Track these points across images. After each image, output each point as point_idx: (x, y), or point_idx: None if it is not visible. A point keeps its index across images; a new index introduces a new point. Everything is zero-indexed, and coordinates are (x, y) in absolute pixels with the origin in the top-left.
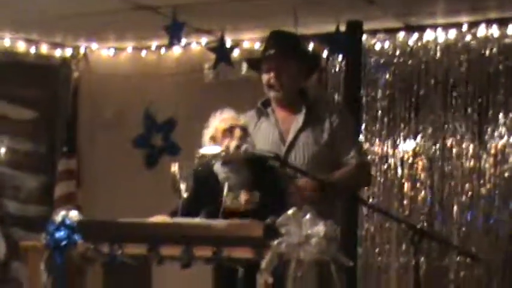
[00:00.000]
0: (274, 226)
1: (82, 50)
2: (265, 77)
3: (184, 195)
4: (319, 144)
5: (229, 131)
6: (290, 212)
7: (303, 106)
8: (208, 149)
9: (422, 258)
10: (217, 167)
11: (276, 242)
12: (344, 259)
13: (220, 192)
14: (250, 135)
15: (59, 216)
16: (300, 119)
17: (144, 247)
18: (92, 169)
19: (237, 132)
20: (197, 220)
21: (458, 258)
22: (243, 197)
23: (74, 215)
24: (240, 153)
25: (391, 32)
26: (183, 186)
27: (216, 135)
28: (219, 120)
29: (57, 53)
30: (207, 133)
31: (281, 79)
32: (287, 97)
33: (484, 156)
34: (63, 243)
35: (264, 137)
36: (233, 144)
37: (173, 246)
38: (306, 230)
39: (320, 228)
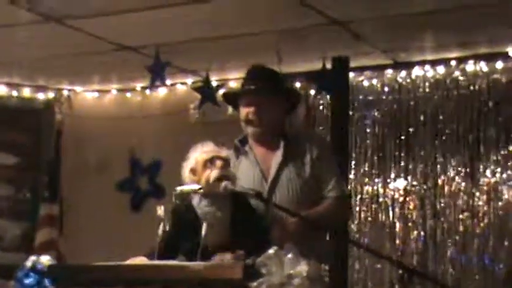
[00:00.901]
0: (254, 266)
1: (65, 93)
2: (243, 112)
3: (162, 234)
4: (302, 178)
5: (210, 162)
6: (271, 251)
7: (281, 140)
8: (186, 187)
9: None
10: (196, 202)
11: (256, 284)
12: None
13: (199, 228)
14: (235, 162)
15: (29, 261)
16: (279, 154)
17: None
18: (75, 215)
19: (219, 163)
20: (174, 262)
21: None
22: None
23: (45, 259)
24: (221, 187)
25: (379, 68)
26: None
27: (196, 167)
28: (200, 152)
29: (40, 96)
30: (187, 165)
31: (261, 114)
32: (266, 133)
33: (477, 193)
34: None
35: (245, 175)
36: (214, 174)
37: None
38: (287, 270)
39: (303, 267)
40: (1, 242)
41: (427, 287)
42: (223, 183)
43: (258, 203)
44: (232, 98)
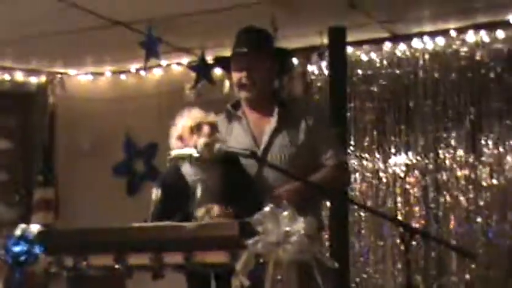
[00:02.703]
0: (250, 224)
1: (59, 76)
2: (236, 76)
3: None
4: (296, 146)
5: (196, 129)
6: (267, 209)
7: (276, 107)
8: (181, 150)
9: (419, 279)
10: (186, 169)
11: (252, 241)
12: (328, 260)
13: (190, 196)
14: (220, 132)
15: (18, 230)
16: (273, 120)
17: (110, 257)
18: (71, 199)
19: (206, 129)
20: (167, 223)
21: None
22: (215, 210)
23: (35, 227)
24: (213, 152)
25: (377, 42)
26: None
27: (183, 133)
28: (187, 118)
29: (33, 79)
30: (174, 132)
31: (253, 78)
32: (259, 97)
33: (480, 166)
34: (22, 258)
35: (237, 141)
36: (201, 141)
37: (142, 253)
38: (284, 228)
39: (300, 225)
40: None
41: (429, 246)
42: (217, 145)
43: (251, 167)
44: (224, 62)
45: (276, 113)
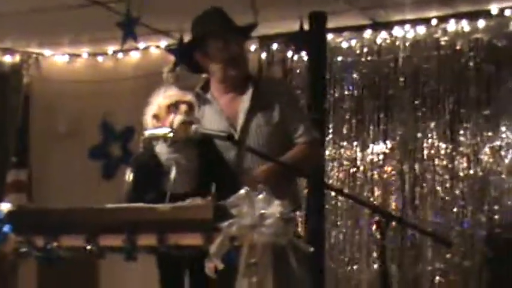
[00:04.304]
0: (225, 207)
1: (34, 56)
2: (223, 54)
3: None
4: (271, 125)
5: (174, 107)
6: (242, 191)
7: (249, 86)
8: (156, 130)
9: (394, 267)
10: (160, 148)
11: (226, 224)
12: (303, 244)
13: (163, 177)
14: (200, 112)
15: None
16: (246, 99)
17: (81, 237)
18: (45, 181)
19: (183, 108)
20: (140, 204)
21: (430, 267)
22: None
23: (5, 207)
24: (189, 131)
25: (358, 29)
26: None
27: (159, 112)
28: (163, 96)
29: (7, 59)
30: (149, 111)
31: (242, 55)
32: (240, 76)
33: (458, 156)
34: None
35: (211, 124)
36: (178, 119)
37: (114, 235)
38: (259, 211)
39: (275, 208)
40: None
41: (405, 234)
42: (193, 127)
43: (226, 149)
44: (197, 42)
45: (249, 93)
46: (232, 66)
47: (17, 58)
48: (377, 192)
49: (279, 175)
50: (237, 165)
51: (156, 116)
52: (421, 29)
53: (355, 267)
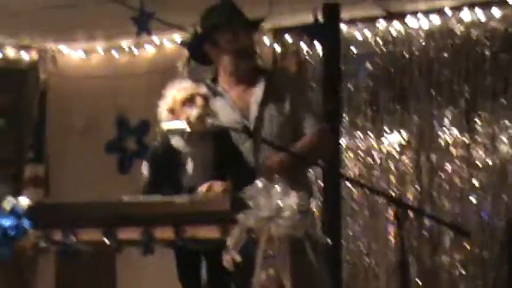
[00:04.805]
0: (241, 199)
1: (50, 52)
2: (234, 45)
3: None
4: (284, 115)
5: (189, 100)
6: (259, 183)
7: (261, 78)
8: (172, 123)
9: (411, 258)
10: (176, 142)
11: (243, 216)
12: (321, 236)
13: (179, 169)
14: (213, 105)
15: (7, 203)
16: (258, 92)
17: (99, 231)
18: (62, 176)
19: (199, 101)
20: (156, 197)
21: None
22: (216, 187)
23: (24, 201)
24: (205, 124)
25: (372, 20)
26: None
27: (174, 106)
28: (177, 89)
29: (24, 56)
30: (164, 104)
31: (253, 46)
32: (252, 68)
33: (474, 145)
34: (11, 232)
35: (224, 116)
36: (194, 112)
37: (131, 228)
38: (276, 202)
39: (293, 200)
40: None
41: (423, 224)
42: (209, 120)
43: (240, 141)
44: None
45: (262, 85)
46: (242, 58)
47: (34, 54)
48: (393, 183)
49: (293, 165)
50: (251, 157)
51: (171, 110)
52: (435, 19)
53: (372, 259)
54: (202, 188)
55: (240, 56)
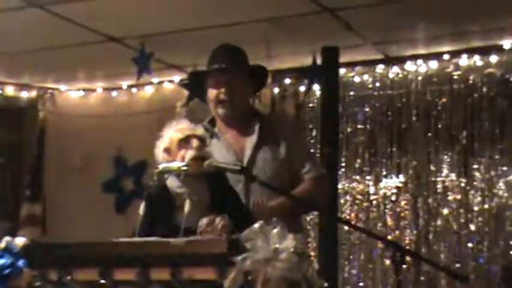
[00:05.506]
0: (239, 241)
1: (50, 91)
2: (213, 93)
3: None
4: (278, 160)
5: (185, 142)
6: (256, 225)
7: (256, 123)
8: (169, 164)
9: None
10: (171, 182)
11: (240, 258)
12: (317, 279)
13: (175, 210)
14: (209, 146)
15: (2, 242)
16: (254, 135)
17: (95, 271)
18: (59, 215)
19: (194, 143)
20: (153, 238)
21: None
22: (219, 221)
23: (20, 240)
24: (201, 166)
25: (370, 64)
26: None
27: (170, 146)
28: (174, 130)
29: (24, 94)
30: (161, 144)
31: (232, 94)
32: (236, 114)
33: (471, 191)
34: (6, 271)
35: (218, 159)
36: (189, 154)
37: (128, 268)
38: (274, 244)
39: (289, 242)
40: None
41: (420, 268)
42: (207, 161)
43: (235, 183)
44: (198, 78)
45: (256, 128)
46: (217, 105)
47: (33, 93)
48: (390, 227)
49: (291, 209)
50: (247, 200)
51: (167, 150)
52: (434, 64)
53: None
54: (203, 222)
55: (216, 103)
